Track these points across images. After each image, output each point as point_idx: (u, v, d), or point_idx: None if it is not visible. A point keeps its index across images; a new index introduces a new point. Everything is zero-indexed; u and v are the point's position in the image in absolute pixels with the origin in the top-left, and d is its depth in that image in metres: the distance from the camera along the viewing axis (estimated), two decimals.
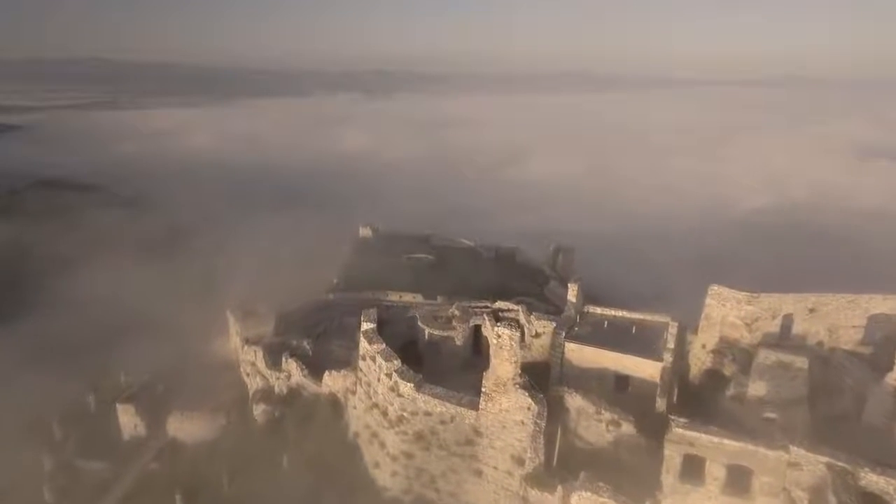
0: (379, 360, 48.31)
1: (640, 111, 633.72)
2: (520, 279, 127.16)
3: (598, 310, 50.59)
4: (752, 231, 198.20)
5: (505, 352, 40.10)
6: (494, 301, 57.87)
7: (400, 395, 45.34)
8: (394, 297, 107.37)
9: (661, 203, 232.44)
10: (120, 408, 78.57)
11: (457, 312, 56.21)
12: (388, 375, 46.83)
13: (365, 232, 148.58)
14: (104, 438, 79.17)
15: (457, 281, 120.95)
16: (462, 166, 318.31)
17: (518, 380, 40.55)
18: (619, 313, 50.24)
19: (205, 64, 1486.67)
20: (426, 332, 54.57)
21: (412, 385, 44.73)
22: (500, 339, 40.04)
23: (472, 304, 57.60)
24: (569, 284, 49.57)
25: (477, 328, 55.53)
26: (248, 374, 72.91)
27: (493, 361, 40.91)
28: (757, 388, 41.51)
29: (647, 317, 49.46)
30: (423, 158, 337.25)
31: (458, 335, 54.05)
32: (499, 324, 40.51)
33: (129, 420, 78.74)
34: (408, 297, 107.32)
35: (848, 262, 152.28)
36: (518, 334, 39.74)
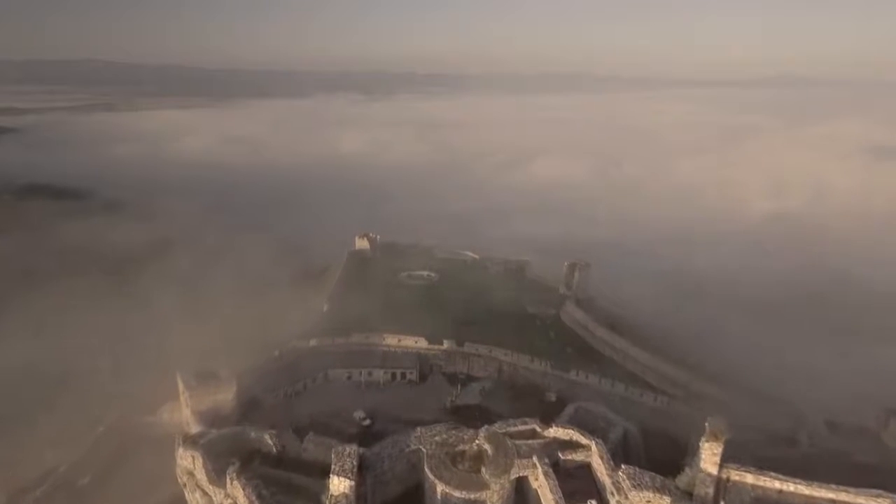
0: None
1: (642, 112, 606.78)
2: (533, 301, 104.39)
3: (750, 477, 26.47)
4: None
5: None
6: (547, 425, 33.73)
7: None
8: (391, 340, 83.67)
9: (675, 207, 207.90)
10: None
11: (487, 448, 32.22)
12: None
13: (361, 243, 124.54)
14: None
15: (463, 305, 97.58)
16: (464, 168, 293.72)
17: None
18: (788, 486, 26.20)
19: (203, 65, 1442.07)
20: (438, 490, 30.69)
21: None
22: None
23: (511, 429, 33.57)
24: (702, 443, 25.40)
25: (521, 480, 31.78)
26: (185, 486, 49.13)
27: None
28: None
29: (845, 497, 25.54)
30: (424, 160, 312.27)
31: (493, 497, 30.26)
32: None
33: None
34: (408, 341, 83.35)
35: None
36: None
